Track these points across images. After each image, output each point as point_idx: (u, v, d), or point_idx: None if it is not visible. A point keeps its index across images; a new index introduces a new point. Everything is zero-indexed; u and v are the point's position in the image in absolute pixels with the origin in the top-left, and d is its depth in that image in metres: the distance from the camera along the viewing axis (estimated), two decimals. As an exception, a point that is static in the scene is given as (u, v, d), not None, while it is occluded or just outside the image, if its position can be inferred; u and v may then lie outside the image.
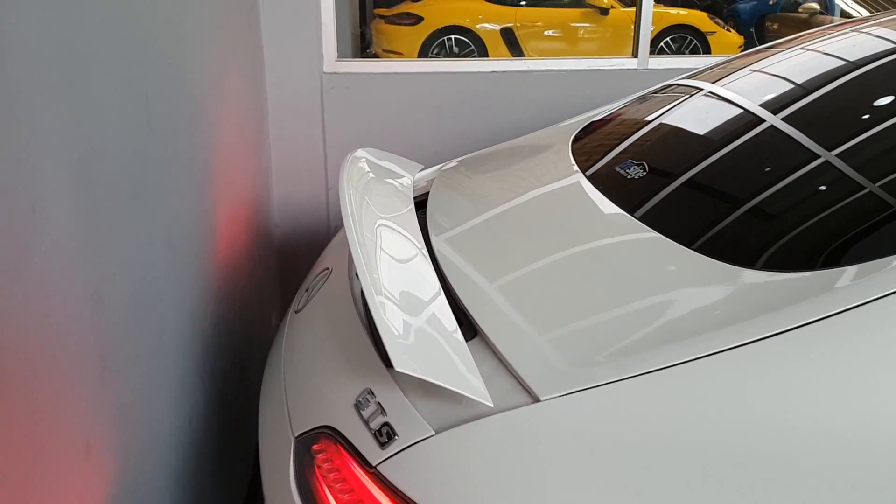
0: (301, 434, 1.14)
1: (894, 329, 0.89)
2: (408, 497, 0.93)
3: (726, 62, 1.95)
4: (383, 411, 1.03)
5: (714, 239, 1.17)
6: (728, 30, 8.81)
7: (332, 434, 1.08)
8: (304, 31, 2.84)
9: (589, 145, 1.68)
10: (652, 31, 3.07)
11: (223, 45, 2.02)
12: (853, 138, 1.28)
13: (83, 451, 1.02)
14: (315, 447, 1.09)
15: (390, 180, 1.57)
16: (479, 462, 0.93)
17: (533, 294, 1.17)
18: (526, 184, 1.59)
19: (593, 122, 1.88)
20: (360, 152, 1.61)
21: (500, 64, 3.00)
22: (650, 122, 1.72)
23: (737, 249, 1.14)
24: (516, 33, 8.33)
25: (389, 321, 1.01)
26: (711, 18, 8.67)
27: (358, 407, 1.06)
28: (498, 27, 8.24)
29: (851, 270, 0.98)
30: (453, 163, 1.91)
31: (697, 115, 1.62)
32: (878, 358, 0.88)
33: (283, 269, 3.07)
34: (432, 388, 1.03)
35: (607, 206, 1.33)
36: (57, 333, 0.93)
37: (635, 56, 3.06)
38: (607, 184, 1.41)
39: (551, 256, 1.26)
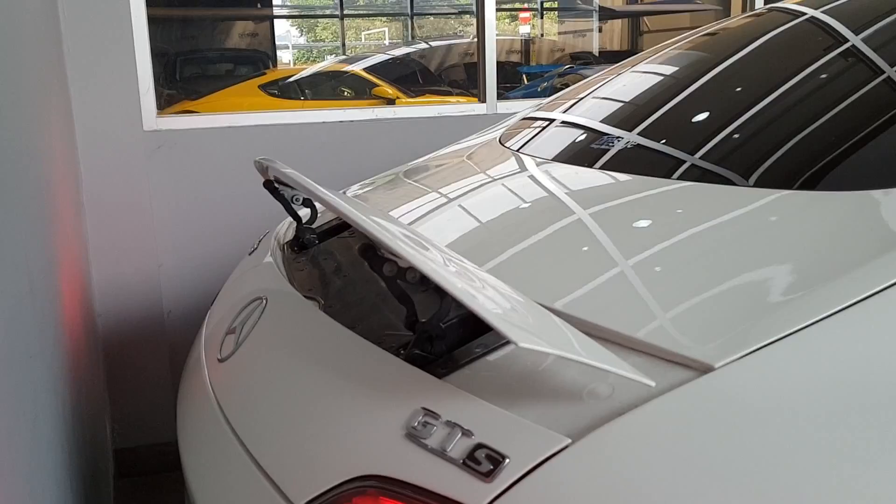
0: (313, 500, 0.76)
1: None
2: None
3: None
4: (466, 432, 0.69)
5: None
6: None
7: (376, 486, 0.72)
8: (117, 84, 2.42)
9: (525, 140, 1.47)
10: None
11: (34, 93, 1.57)
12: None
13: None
14: (348, 512, 0.73)
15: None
16: (657, 462, 0.62)
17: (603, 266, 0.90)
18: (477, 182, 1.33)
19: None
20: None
21: (348, 113, 2.75)
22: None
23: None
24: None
25: (480, 300, 0.69)
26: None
27: (415, 436, 0.71)
28: (286, 121, 8.03)
29: None
30: (354, 187, 1.63)
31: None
32: None
33: (112, 367, 2.51)
34: (526, 387, 0.72)
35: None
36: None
37: (483, 101, 2.95)
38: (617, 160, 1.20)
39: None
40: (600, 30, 13.49)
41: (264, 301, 1.12)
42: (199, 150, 2.57)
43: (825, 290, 0.71)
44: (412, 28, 14.73)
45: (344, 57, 11.10)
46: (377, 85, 8.68)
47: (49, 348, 1.19)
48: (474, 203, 1.22)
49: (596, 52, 12.94)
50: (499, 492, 0.64)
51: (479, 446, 0.68)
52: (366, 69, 9.07)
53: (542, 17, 14.86)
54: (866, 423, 0.62)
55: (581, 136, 1.45)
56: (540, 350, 0.63)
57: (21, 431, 0.91)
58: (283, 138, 2.66)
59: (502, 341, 0.78)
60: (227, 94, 8.28)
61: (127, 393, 2.54)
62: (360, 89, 8.82)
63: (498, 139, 1.58)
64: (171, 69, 9.58)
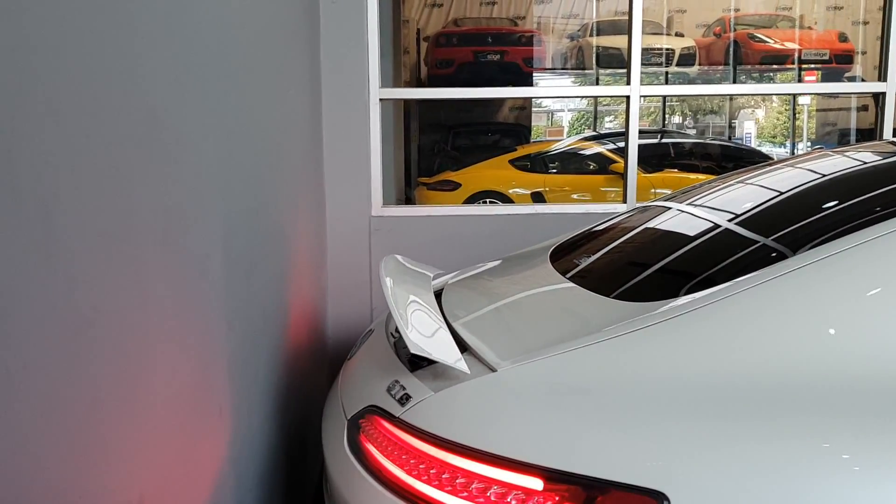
0: (352, 416, 1.75)
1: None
2: (420, 429, 1.53)
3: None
4: (404, 388, 1.65)
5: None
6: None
7: (372, 409, 1.69)
8: (356, 184, 3.63)
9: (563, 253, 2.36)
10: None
11: (298, 190, 2.77)
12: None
13: (217, 412, 1.65)
14: (361, 421, 1.70)
15: (416, 271, 2.25)
16: (462, 407, 1.53)
17: (492, 322, 1.82)
18: (506, 275, 2.26)
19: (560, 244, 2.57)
20: (392, 257, 2.30)
21: (514, 208, 3.75)
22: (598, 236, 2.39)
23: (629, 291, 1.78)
24: (545, 196, 9.14)
25: (411, 334, 1.65)
26: (724, 182, 9.49)
27: (388, 390, 1.68)
28: (528, 191, 9.11)
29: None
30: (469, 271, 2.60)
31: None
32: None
33: (335, 375, 3.69)
34: (433, 372, 1.66)
35: (555, 278, 1.99)
36: (205, 343, 1.59)
37: (625, 202, 3.77)
38: (564, 267, 2.07)
39: (506, 302, 1.92)
40: (865, 108, 13.11)
41: (373, 331, 2.15)
42: (406, 231, 3.69)
43: (566, 343, 1.56)
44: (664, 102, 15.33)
45: (588, 134, 12.12)
46: (615, 161, 9.51)
47: (276, 357, 2.30)
48: (492, 283, 2.14)
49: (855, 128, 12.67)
50: (405, 410, 1.59)
51: (406, 394, 1.62)
52: (607, 148, 9.93)
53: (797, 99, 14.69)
54: (567, 406, 1.47)
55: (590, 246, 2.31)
56: (422, 354, 1.57)
57: (251, 404, 1.99)
58: (464, 225, 3.70)
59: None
60: (482, 167, 9.58)
61: (343, 394, 3.70)
62: (600, 164, 9.69)
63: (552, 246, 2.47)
64: (446, 139, 11.18)
